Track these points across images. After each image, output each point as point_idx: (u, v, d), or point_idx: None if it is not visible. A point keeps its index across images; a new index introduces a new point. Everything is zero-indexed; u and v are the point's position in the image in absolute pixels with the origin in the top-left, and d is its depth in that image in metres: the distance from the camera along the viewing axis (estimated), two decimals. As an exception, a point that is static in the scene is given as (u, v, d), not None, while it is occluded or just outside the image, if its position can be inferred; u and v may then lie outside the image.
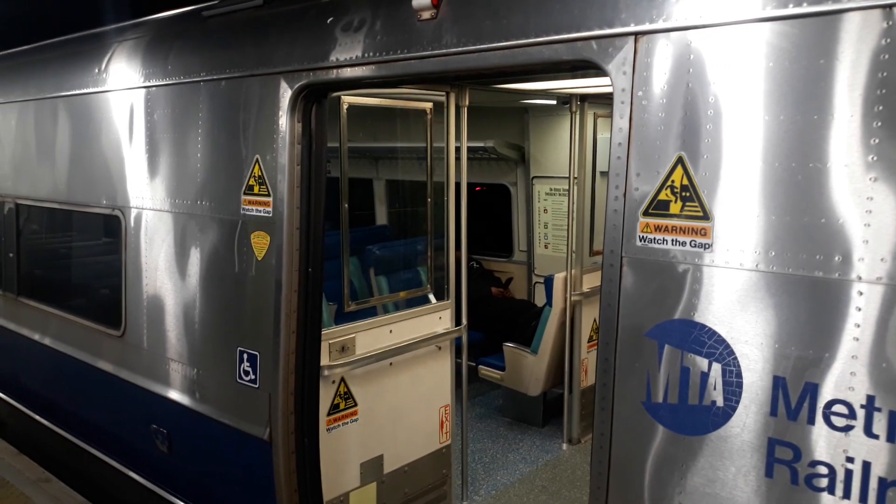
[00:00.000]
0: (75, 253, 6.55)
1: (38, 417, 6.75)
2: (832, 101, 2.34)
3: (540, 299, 8.11)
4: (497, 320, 7.99)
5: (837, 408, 2.35)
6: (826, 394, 2.37)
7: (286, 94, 4.10)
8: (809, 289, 2.40)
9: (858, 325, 2.31)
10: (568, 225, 6.68)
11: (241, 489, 4.65)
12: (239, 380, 4.46)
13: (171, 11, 5.71)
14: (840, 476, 2.35)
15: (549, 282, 6.72)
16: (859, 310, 2.30)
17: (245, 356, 4.42)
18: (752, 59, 2.50)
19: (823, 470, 2.38)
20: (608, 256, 2.88)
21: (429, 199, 5.30)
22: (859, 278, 2.30)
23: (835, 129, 2.34)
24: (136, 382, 5.29)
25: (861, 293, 2.30)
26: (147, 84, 5.09)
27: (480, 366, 7.40)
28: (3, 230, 7.09)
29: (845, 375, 2.33)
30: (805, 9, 2.39)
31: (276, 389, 4.22)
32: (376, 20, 3.75)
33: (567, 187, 6.82)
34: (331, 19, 3.99)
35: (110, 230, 5.56)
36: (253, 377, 4.37)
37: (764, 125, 2.48)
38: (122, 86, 5.34)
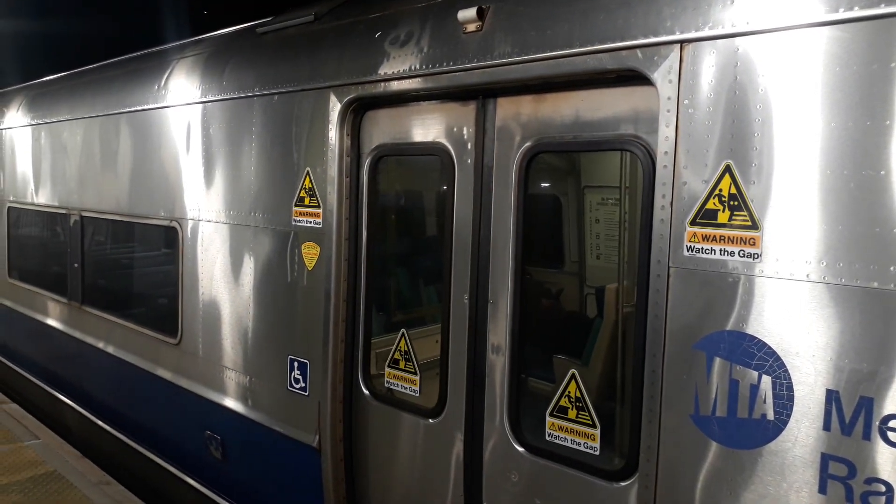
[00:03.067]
0: (135, 263, 6.79)
1: (100, 423, 6.99)
2: (886, 107, 2.28)
3: (591, 310, 8.01)
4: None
5: (894, 423, 2.27)
6: (882, 408, 2.29)
7: (335, 107, 4.18)
8: (863, 300, 2.32)
9: None
10: (619, 235, 6.60)
11: (292, 496, 4.72)
12: (290, 387, 4.54)
13: (226, 29, 5.90)
14: (898, 494, 2.27)
15: (600, 293, 6.64)
16: None
17: (296, 364, 4.50)
18: (800, 64, 2.45)
19: (881, 487, 2.30)
20: (655, 266, 2.85)
21: None
22: None
23: (890, 135, 2.27)
24: (191, 389, 5.44)
25: None
26: (203, 99, 5.25)
27: (530, 377, 7.34)
28: (69, 242, 7.38)
29: None
30: (857, 13, 2.33)
31: (325, 397, 4.29)
32: (423, 33, 3.80)
33: (619, 196, 6.74)
34: (379, 34, 4.06)
35: (168, 241, 5.74)
36: (303, 385, 4.45)
37: (814, 132, 2.42)
38: (180, 101, 5.52)
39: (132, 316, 6.44)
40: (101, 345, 6.81)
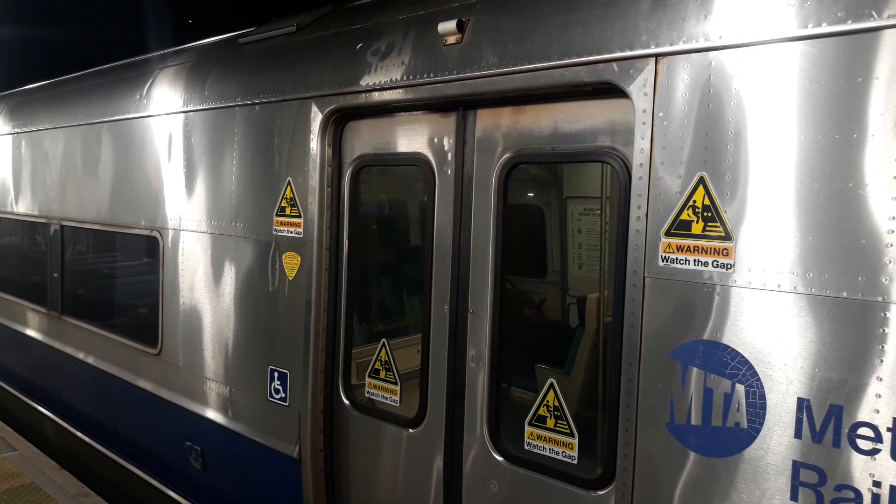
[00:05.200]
0: (115, 273, 6.75)
1: (80, 434, 6.92)
2: (854, 120, 2.33)
3: (570, 320, 8.05)
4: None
5: (863, 430, 2.31)
6: (851, 416, 2.33)
7: (317, 118, 4.20)
8: (832, 309, 2.37)
9: (883, 347, 2.27)
10: (601, 245, 6.64)
11: (272, 507, 4.70)
12: (270, 398, 4.53)
13: (209, 39, 5.90)
14: (867, 500, 2.30)
15: (581, 302, 6.67)
16: (884, 331, 2.27)
17: (276, 374, 4.49)
18: (772, 78, 2.51)
19: (850, 494, 2.34)
20: (630, 276, 2.88)
21: None
22: (884, 299, 2.27)
23: (857, 148, 2.32)
24: (171, 400, 5.41)
25: (886, 314, 2.27)
26: (185, 109, 5.25)
27: (512, 386, 7.36)
28: (49, 251, 7.33)
29: (870, 398, 2.29)
30: (825, 29, 2.39)
31: (305, 408, 4.28)
32: (404, 45, 3.84)
33: (599, 207, 6.79)
34: (360, 45, 4.08)
35: (149, 251, 5.72)
36: (283, 395, 4.44)
37: (785, 145, 2.47)
38: (162, 111, 5.51)
39: (112, 326, 6.40)
40: (80, 355, 6.75)
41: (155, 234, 5.53)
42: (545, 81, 3.18)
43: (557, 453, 3.34)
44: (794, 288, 2.44)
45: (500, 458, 3.54)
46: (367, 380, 4.26)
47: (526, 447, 3.46)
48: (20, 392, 8.30)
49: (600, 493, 3.13)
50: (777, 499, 2.49)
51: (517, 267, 4.00)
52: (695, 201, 2.69)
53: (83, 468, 6.85)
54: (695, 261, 2.69)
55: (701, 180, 2.67)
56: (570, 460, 3.29)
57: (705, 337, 2.66)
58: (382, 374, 4.19)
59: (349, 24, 4.37)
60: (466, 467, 3.70)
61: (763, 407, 2.51)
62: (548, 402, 3.42)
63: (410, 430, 3.97)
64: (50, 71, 9.07)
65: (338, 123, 4.23)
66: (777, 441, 2.49)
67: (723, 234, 2.62)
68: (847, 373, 2.34)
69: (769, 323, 2.50)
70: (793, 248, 2.45)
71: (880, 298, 2.28)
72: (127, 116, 5.95)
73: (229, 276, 4.86)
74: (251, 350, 4.72)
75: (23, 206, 7.91)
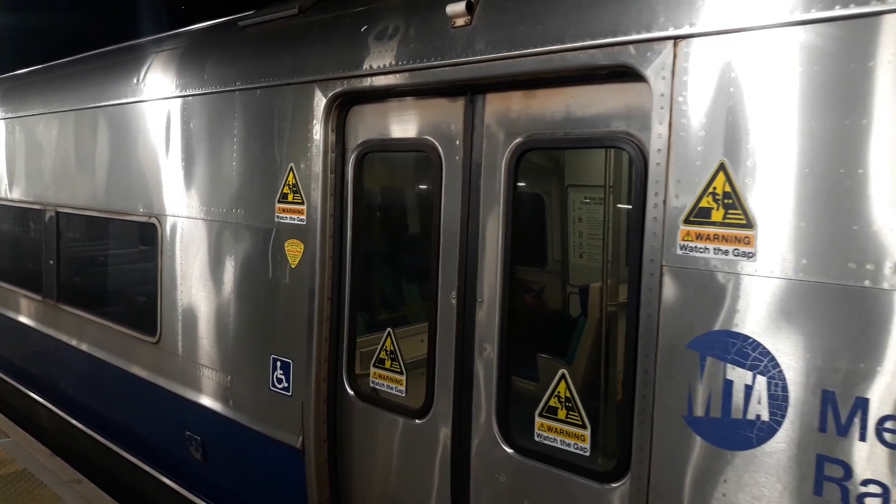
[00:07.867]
0: (113, 260, 6.66)
1: (75, 422, 6.85)
2: (865, 106, 2.27)
3: (574, 310, 8.00)
4: (530, 330, 7.89)
5: (890, 424, 2.25)
6: (878, 409, 2.27)
7: (320, 102, 4.11)
8: (858, 299, 2.30)
9: None
10: (603, 234, 6.58)
11: (275, 498, 4.64)
12: (272, 387, 4.46)
13: (208, 22, 5.78)
14: (894, 496, 2.25)
15: (583, 292, 6.62)
16: None
17: (278, 364, 4.42)
18: (788, 62, 2.43)
19: (876, 489, 2.28)
20: (647, 265, 2.81)
21: None
22: None
23: (869, 134, 2.26)
24: (170, 389, 5.34)
25: None
26: (184, 94, 5.14)
27: (519, 377, 7.31)
28: (44, 238, 7.23)
29: None
30: (839, 11, 2.32)
31: (308, 398, 4.21)
32: (410, 28, 3.74)
33: (602, 195, 6.73)
34: (364, 27, 3.99)
35: (147, 238, 5.63)
36: (286, 385, 4.37)
37: (801, 130, 2.40)
38: (160, 96, 5.41)
39: (109, 314, 6.31)
40: (76, 343, 6.67)
41: (153, 220, 5.44)
42: (558, 65, 3.10)
43: (569, 445, 3.28)
44: (818, 277, 2.37)
45: (509, 450, 3.48)
46: (372, 369, 4.20)
47: (536, 439, 3.40)
48: (14, 379, 8.22)
49: (614, 485, 3.07)
50: (800, 493, 2.43)
51: (527, 256, 3.93)
52: (715, 188, 2.62)
53: (80, 457, 6.79)
54: (715, 249, 2.62)
55: (721, 166, 2.60)
56: (582, 452, 3.23)
57: (725, 327, 2.59)
58: (388, 364, 4.12)
59: (352, 5, 4.27)
60: (474, 459, 3.64)
61: (785, 399, 2.45)
62: (559, 392, 3.35)
63: (416, 421, 3.91)
64: (43, 56, 8.92)
65: (341, 108, 4.14)
66: (800, 434, 2.43)
67: (744, 221, 2.55)
68: (873, 364, 2.28)
69: (792, 313, 2.44)
70: (817, 236, 2.38)
71: None
72: (124, 101, 5.83)
73: (230, 263, 4.77)
74: (253, 339, 4.65)
75: (17, 193, 7.79)
